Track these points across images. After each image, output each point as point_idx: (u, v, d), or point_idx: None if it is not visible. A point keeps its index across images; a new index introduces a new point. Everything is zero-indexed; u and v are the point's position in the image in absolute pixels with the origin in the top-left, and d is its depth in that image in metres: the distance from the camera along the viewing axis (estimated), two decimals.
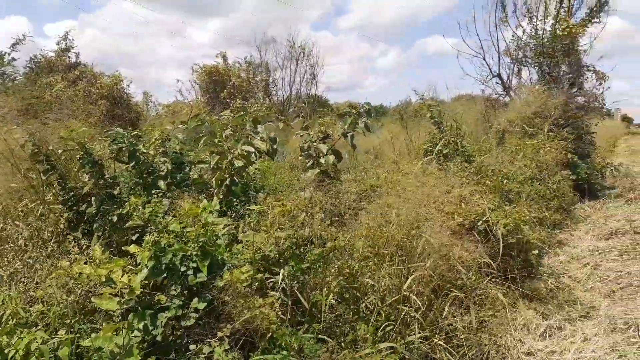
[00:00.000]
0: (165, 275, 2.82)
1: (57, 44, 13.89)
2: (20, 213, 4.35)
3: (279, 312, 2.80)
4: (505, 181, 4.97)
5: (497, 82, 11.00)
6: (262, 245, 3.05)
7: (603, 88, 10.17)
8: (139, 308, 2.71)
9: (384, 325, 3.01)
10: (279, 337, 2.56)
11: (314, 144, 4.39)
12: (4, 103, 5.31)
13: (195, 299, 2.77)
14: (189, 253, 2.86)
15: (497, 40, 11.00)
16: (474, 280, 3.43)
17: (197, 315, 2.73)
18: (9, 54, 12.22)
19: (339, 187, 4.24)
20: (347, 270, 3.12)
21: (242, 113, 4.21)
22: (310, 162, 4.45)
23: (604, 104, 10.72)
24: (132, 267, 2.88)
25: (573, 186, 7.87)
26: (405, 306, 3.12)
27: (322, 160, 4.39)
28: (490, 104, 9.32)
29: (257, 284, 2.82)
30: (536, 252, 4.08)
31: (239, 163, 4.04)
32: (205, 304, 2.75)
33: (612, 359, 3.18)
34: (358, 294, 3.16)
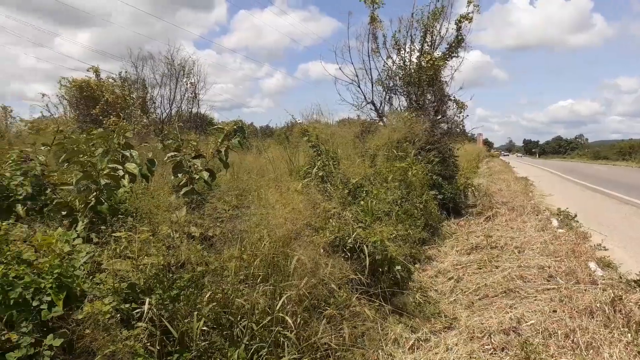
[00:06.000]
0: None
1: None
2: None
3: (147, 344, 2.68)
4: (375, 202, 5.30)
5: (371, 109, 11.49)
6: (128, 273, 2.90)
7: (463, 115, 11.33)
8: None
9: (258, 349, 3.01)
10: None
11: (188, 161, 4.27)
12: None
13: (50, 335, 2.54)
14: (42, 286, 2.62)
15: (370, 69, 11.43)
16: (344, 297, 3.58)
17: (52, 353, 2.50)
18: None
19: (215, 206, 4.17)
20: (220, 295, 3.09)
21: (110, 130, 3.95)
22: (184, 180, 4.32)
23: (464, 130, 11.97)
24: None
25: (440, 205, 8.65)
26: (281, 327, 3.16)
27: (195, 176, 4.28)
28: (366, 129, 9.83)
29: (119, 315, 2.66)
30: (399, 267, 4.37)
31: (105, 180, 3.79)
32: (61, 340, 2.53)
33: None
34: (232, 318, 3.13)
